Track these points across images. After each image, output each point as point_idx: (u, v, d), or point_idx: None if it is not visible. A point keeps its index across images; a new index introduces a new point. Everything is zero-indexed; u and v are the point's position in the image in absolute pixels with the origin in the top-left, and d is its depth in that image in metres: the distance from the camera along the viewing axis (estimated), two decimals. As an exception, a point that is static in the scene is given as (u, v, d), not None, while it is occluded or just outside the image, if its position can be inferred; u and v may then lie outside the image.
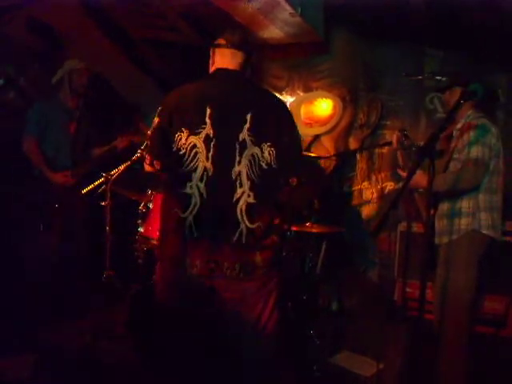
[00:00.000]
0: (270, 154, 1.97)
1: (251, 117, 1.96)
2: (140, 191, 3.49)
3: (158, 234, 2.98)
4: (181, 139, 1.97)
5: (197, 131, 1.96)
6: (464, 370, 2.61)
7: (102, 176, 3.31)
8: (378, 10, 3.84)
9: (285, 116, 2.08)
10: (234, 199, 1.94)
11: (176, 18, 4.27)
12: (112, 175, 3.32)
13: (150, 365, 2.76)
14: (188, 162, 1.97)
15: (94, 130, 3.89)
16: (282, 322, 2.11)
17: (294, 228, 3.47)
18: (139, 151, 3.37)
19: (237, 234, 1.93)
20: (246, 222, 1.94)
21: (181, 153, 1.97)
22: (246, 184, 1.94)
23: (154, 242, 3.07)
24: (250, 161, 1.95)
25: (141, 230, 3.23)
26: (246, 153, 1.95)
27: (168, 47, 4.85)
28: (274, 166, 1.98)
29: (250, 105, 2.00)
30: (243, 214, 1.94)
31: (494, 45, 3.87)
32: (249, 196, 1.94)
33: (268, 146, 1.97)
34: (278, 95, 4.68)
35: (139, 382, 2.83)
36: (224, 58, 2.10)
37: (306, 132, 4.78)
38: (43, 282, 3.40)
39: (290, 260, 3.30)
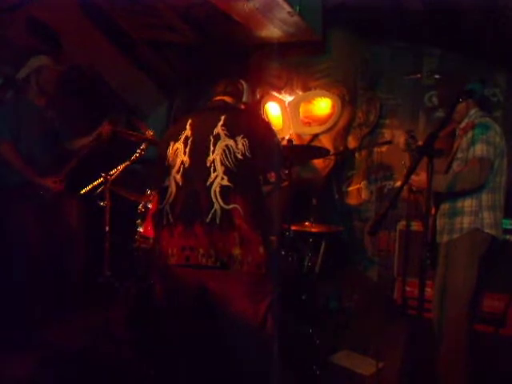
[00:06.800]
0: (243, 144, 2.05)
1: (225, 117, 2.13)
2: (139, 191, 3.50)
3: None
4: (169, 151, 2.17)
5: (178, 137, 2.16)
6: (464, 368, 2.60)
7: (101, 176, 3.32)
8: (376, 9, 3.84)
9: (259, 123, 2.27)
10: (208, 183, 2.00)
11: (175, 18, 4.28)
12: (111, 175, 3.33)
13: (150, 364, 2.76)
14: (170, 161, 2.13)
15: (71, 126, 3.70)
16: (281, 322, 2.11)
17: (293, 227, 3.47)
18: (138, 151, 3.40)
19: (210, 215, 1.95)
20: (220, 203, 1.97)
21: (169, 160, 2.14)
22: (220, 169, 2.02)
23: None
24: (224, 150, 2.04)
25: (140, 229, 3.23)
26: (220, 143, 2.05)
27: (167, 47, 4.85)
28: (248, 156, 2.05)
29: (224, 110, 2.21)
30: (217, 195, 1.98)
31: (492, 44, 3.87)
32: (222, 179, 2.00)
33: (241, 137, 2.07)
34: (277, 94, 4.80)
35: (139, 381, 2.83)
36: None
37: (304, 131, 4.79)
38: (43, 282, 3.40)
39: (289, 259, 3.30)
